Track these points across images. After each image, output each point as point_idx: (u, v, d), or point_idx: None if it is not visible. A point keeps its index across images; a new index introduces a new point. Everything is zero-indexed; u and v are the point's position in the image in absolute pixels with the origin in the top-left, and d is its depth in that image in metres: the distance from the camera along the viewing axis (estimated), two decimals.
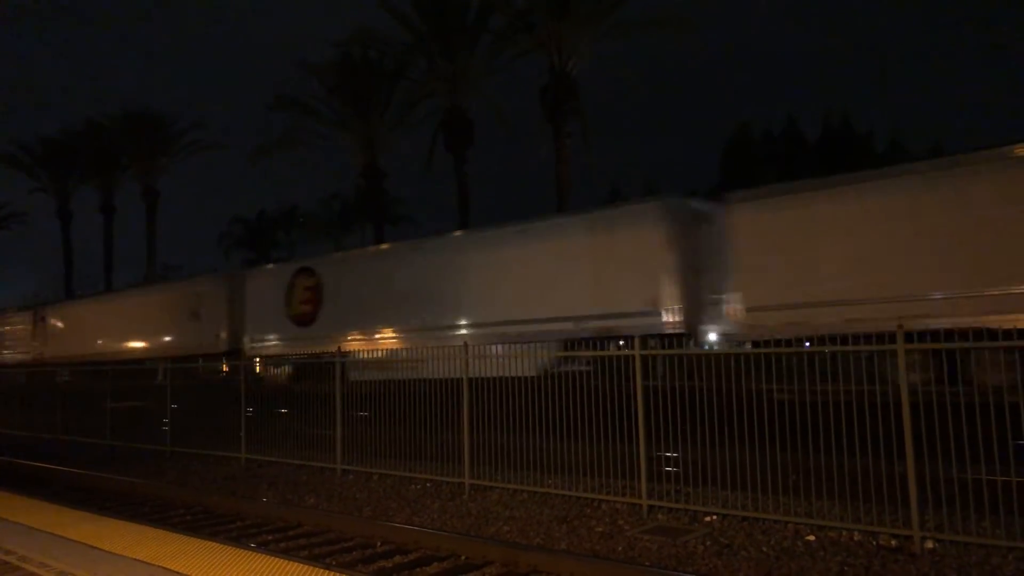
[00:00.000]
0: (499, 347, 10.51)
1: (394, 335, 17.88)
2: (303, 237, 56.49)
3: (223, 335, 22.28)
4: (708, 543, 7.22)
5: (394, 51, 29.84)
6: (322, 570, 5.53)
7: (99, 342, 27.59)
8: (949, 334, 7.32)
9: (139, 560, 5.62)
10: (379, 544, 7.78)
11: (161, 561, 5.55)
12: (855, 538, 7.03)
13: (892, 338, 7.19)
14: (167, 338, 24.74)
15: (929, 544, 6.67)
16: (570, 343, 13.34)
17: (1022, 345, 6.67)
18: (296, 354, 18.90)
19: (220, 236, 57.49)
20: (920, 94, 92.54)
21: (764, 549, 6.96)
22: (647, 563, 6.76)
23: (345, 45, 30.56)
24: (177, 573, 5.25)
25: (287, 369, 18.26)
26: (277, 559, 5.86)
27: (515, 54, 28.19)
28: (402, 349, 16.07)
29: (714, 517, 7.94)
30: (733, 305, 12.75)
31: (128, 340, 26.37)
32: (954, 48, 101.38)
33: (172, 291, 26.63)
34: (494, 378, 10.08)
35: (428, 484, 10.58)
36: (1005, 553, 6.32)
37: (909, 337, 7.17)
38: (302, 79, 31.97)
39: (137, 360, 21.27)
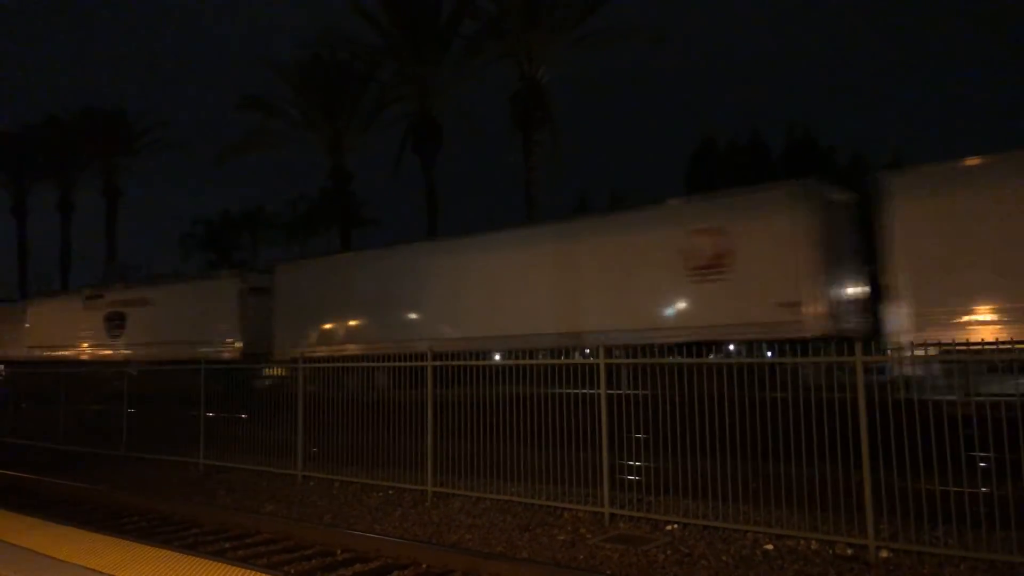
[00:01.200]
0: None
1: None
2: (268, 239, 55.75)
3: (805, 304, 11.99)
4: (669, 552, 7.26)
5: (364, 53, 29.73)
6: None
7: (457, 319, 16.29)
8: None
9: (91, 568, 5.48)
10: (339, 552, 7.69)
11: (113, 569, 5.42)
12: (812, 547, 7.12)
13: (851, 350, 7.30)
14: (625, 311, 13.91)
15: (884, 553, 6.79)
16: None
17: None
18: None
19: (182, 237, 56.52)
20: (885, 108, 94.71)
21: (724, 558, 7.02)
22: (608, 572, 6.78)
23: (314, 46, 30.40)
24: None
25: None
26: (234, 567, 5.76)
27: (486, 60, 28.27)
28: None
29: (675, 526, 7.98)
30: None
31: (524, 316, 15.06)
32: (919, 61, 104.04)
33: (646, 225, 14.35)
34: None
35: (390, 491, 10.49)
36: (958, 563, 6.45)
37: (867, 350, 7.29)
38: (270, 79, 31.78)
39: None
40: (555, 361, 9.76)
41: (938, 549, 6.62)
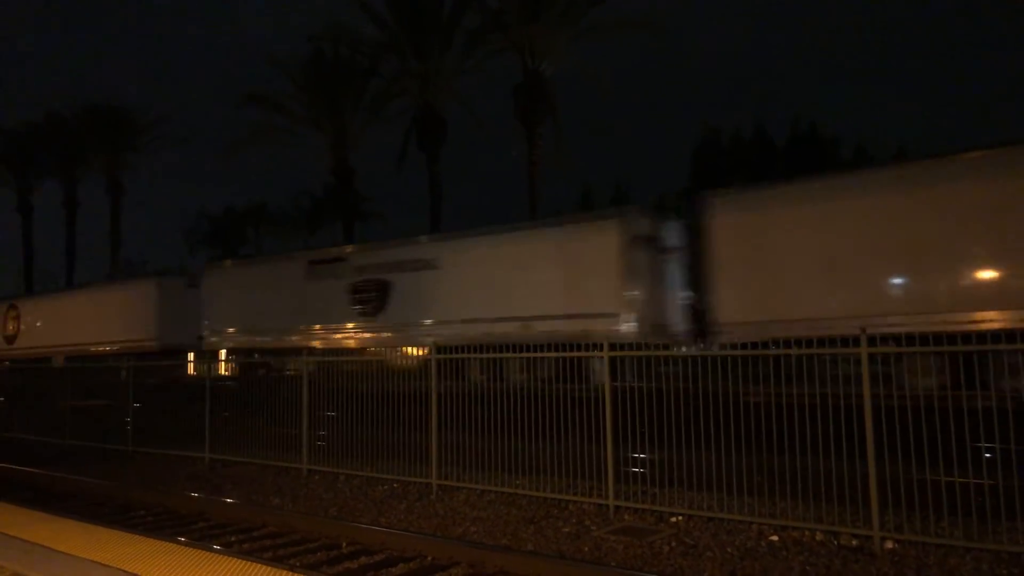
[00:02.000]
0: None
1: None
2: (272, 234, 55.87)
3: None
4: (674, 543, 7.27)
5: (366, 48, 29.69)
6: (286, 571, 5.47)
7: None
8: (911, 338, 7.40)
9: (97, 562, 5.50)
10: (345, 545, 7.71)
11: (120, 563, 5.44)
12: (817, 538, 7.12)
13: (856, 341, 7.29)
14: None
15: (889, 544, 6.78)
16: None
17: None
18: None
19: (187, 232, 56.64)
20: (889, 98, 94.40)
21: (729, 549, 7.02)
22: (613, 564, 6.79)
23: (317, 41, 30.37)
24: (136, 575, 5.15)
25: None
26: (240, 560, 5.77)
27: (489, 54, 28.22)
28: None
29: (680, 518, 7.99)
30: None
31: None
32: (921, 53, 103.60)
33: None
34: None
35: (395, 485, 10.51)
36: (963, 554, 6.45)
37: (872, 341, 7.28)
38: (273, 75, 31.75)
39: None
40: (560, 354, 9.75)
41: (943, 540, 6.62)
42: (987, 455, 7.29)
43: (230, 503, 9.91)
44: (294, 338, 18.61)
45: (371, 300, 17.25)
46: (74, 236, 42.89)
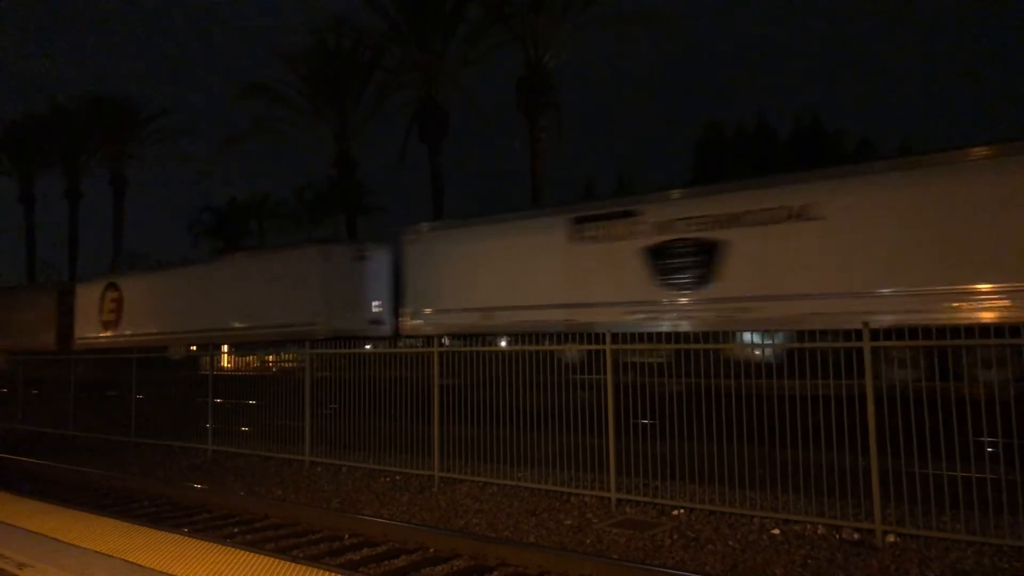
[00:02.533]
0: None
1: None
2: (275, 227, 55.80)
3: None
4: (676, 536, 7.28)
5: (369, 40, 29.62)
6: (289, 563, 5.47)
7: None
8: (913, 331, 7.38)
9: (101, 552, 5.52)
10: (347, 537, 7.73)
11: (124, 554, 5.46)
12: (819, 532, 7.13)
13: (859, 335, 7.28)
14: None
15: (891, 538, 6.78)
16: None
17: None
18: None
19: (189, 224, 56.59)
20: (892, 92, 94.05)
21: (730, 542, 7.03)
22: (615, 556, 6.80)
23: (319, 33, 30.32)
24: (139, 566, 5.17)
25: None
26: (242, 552, 5.78)
27: (491, 46, 28.13)
28: None
29: (682, 511, 8.00)
30: None
31: None
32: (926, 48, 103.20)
33: None
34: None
35: (397, 477, 10.53)
36: (964, 548, 6.45)
37: (875, 335, 7.27)
38: (276, 66, 31.74)
39: None
40: (563, 347, 9.75)
41: (945, 534, 6.62)
42: (989, 449, 7.28)
43: (232, 494, 9.93)
44: (545, 317, 14.78)
45: (688, 267, 13.25)
46: (76, 226, 42.96)
